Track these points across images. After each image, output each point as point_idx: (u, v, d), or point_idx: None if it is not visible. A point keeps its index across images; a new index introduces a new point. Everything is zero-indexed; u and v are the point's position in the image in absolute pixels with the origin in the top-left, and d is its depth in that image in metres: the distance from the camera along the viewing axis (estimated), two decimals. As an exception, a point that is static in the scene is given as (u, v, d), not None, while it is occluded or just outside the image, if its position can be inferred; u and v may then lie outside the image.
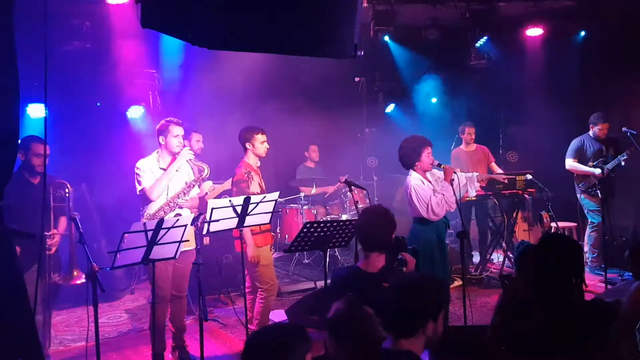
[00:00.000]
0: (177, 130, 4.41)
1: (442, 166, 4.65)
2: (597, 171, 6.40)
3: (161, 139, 4.43)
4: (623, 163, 6.31)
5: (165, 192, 4.36)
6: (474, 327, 4.44)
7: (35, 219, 3.83)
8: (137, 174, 4.36)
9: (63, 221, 4.32)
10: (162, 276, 4.24)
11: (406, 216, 4.79)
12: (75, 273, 4.00)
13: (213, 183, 5.83)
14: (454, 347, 3.06)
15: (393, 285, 2.38)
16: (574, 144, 6.74)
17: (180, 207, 4.41)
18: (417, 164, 4.59)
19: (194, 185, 4.48)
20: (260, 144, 4.71)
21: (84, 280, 4.12)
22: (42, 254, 4.05)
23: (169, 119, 4.48)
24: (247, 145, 4.72)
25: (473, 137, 7.24)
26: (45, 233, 4.10)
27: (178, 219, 3.71)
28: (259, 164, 4.85)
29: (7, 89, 2.31)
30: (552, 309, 2.43)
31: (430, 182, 4.67)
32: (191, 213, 4.48)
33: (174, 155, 4.43)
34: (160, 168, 4.42)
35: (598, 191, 6.46)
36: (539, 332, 2.42)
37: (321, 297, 4.51)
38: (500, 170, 7.13)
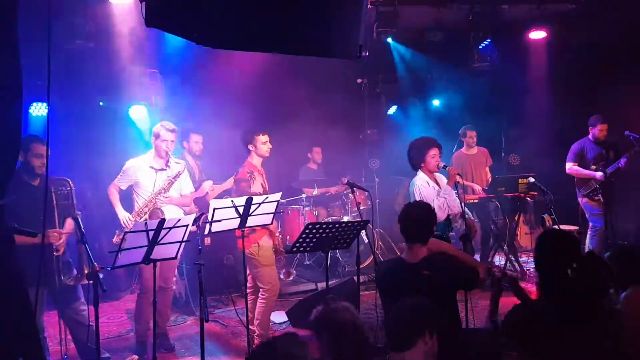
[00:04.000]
0: (167, 136, 4.68)
1: (447, 168, 4.63)
2: (598, 174, 6.39)
3: (152, 139, 4.75)
4: (622, 165, 6.27)
5: (151, 189, 4.64)
6: (476, 329, 4.43)
7: (36, 222, 3.82)
8: (122, 170, 4.72)
9: (69, 221, 4.31)
10: (147, 268, 4.31)
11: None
12: (86, 272, 3.98)
13: (213, 183, 5.82)
14: (455, 348, 3.07)
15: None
16: (575, 147, 6.72)
17: (162, 203, 4.64)
18: (422, 164, 4.60)
19: (173, 182, 4.70)
20: (262, 144, 4.73)
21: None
22: (43, 256, 4.02)
23: (163, 123, 4.76)
24: (250, 147, 4.74)
25: (475, 140, 7.23)
26: (49, 231, 4.08)
27: (180, 219, 3.70)
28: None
29: (9, 87, 2.30)
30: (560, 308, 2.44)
31: (437, 183, 4.65)
32: (185, 212, 4.60)
33: (164, 158, 4.71)
34: (151, 167, 4.69)
35: (599, 195, 6.44)
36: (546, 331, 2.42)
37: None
38: (489, 175, 7.14)
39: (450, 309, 3.20)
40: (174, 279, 5.01)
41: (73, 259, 4.23)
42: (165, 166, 4.73)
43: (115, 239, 4.56)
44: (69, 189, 4.27)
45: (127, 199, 4.78)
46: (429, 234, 3.25)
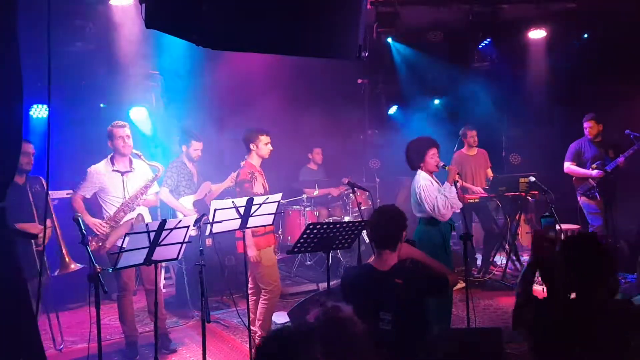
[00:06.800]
0: (120, 132, 4.62)
1: (447, 167, 4.63)
2: (594, 173, 6.39)
3: (109, 143, 4.66)
4: (620, 163, 6.27)
5: (123, 194, 4.62)
6: (477, 329, 4.43)
7: (22, 220, 3.84)
8: (84, 178, 4.63)
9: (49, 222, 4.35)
10: (127, 269, 4.45)
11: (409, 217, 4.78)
12: (67, 260, 4.00)
13: (211, 184, 5.81)
14: (456, 348, 3.06)
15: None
16: (572, 147, 6.72)
17: (137, 205, 4.69)
18: (422, 165, 4.58)
19: (150, 186, 4.73)
20: (264, 145, 4.76)
21: (79, 266, 4.33)
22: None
23: (113, 123, 4.70)
24: (251, 146, 4.74)
25: (475, 140, 7.19)
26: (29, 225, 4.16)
27: (180, 220, 3.70)
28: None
29: (10, 90, 2.31)
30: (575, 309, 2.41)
31: (438, 182, 4.65)
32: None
33: (125, 156, 4.68)
34: (114, 170, 4.65)
35: (597, 194, 6.45)
36: (558, 333, 2.39)
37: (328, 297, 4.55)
38: (491, 175, 7.14)
39: (421, 317, 3.09)
40: (163, 282, 5.02)
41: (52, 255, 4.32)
42: (130, 167, 4.70)
43: (94, 246, 4.53)
44: (40, 188, 4.33)
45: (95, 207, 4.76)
46: (399, 240, 3.14)
